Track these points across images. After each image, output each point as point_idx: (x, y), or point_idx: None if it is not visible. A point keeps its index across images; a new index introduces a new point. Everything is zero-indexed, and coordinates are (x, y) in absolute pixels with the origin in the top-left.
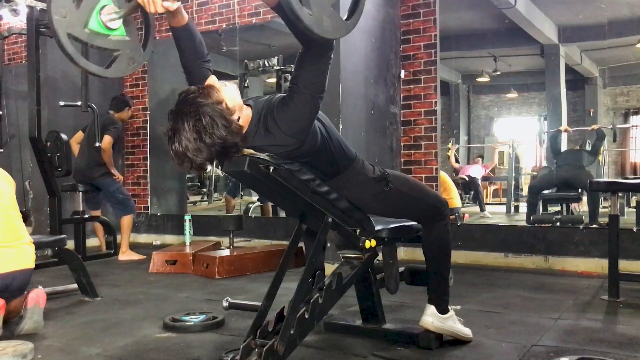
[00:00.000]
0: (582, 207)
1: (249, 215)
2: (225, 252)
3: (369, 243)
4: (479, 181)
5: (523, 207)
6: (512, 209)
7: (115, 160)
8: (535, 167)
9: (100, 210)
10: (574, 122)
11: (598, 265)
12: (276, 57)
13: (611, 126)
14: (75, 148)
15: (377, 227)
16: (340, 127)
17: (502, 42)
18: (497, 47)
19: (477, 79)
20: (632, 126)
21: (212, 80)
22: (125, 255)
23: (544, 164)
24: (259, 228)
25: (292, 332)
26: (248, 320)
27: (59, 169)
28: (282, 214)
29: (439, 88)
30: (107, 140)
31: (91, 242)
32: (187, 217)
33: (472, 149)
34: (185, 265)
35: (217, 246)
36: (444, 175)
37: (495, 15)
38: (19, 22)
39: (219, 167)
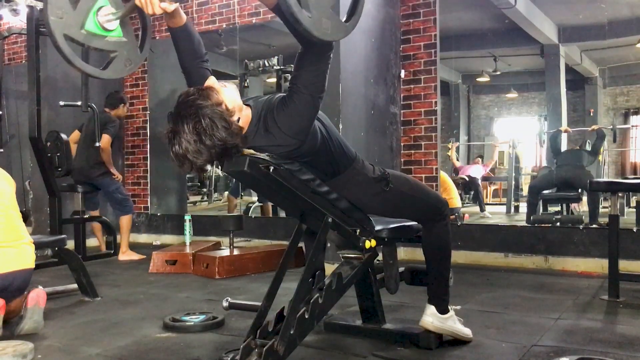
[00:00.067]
0: (582, 207)
1: (249, 215)
2: (225, 252)
3: (369, 243)
4: (479, 181)
5: (523, 207)
6: (512, 209)
7: (115, 160)
8: (535, 167)
9: (99, 210)
10: (574, 122)
11: (598, 265)
12: (276, 57)
13: (611, 126)
14: (72, 148)
15: (377, 227)
16: (340, 127)
17: (502, 42)
18: (497, 47)
19: (477, 79)
20: (632, 126)
21: (211, 81)
22: (125, 255)
23: (544, 164)
24: (259, 228)
25: (292, 332)
26: (248, 320)
27: (59, 169)
28: (282, 214)
29: (439, 88)
30: (106, 139)
31: (91, 242)
32: (187, 217)
33: (472, 149)
34: (185, 265)
35: (217, 246)
36: (444, 175)
37: (495, 15)
38: (19, 22)
39: (219, 167)
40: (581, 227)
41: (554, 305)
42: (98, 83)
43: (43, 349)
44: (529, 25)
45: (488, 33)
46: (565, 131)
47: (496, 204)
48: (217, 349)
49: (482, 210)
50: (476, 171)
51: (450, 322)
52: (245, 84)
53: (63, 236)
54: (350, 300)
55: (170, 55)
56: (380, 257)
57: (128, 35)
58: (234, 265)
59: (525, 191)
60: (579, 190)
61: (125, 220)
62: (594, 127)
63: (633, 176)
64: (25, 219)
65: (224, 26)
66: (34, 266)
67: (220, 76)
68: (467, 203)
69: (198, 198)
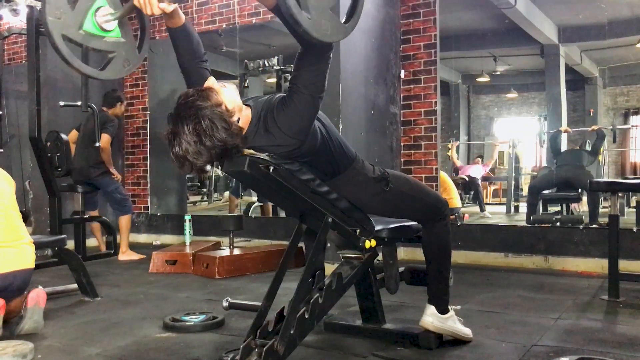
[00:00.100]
0: (582, 207)
1: (249, 215)
2: (225, 252)
3: (369, 243)
4: (479, 181)
5: (523, 207)
6: (512, 209)
7: (114, 160)
8: (535, 167)
9: (99, 210)
10: (574, 122)
11: (598, 265)
12: (276, 57)
13: (611, 127)
14: (71, 148)
15: (377, 227)
16: (340, 127)
17: (502, 42)
18: (497, 47)
19: (477, 79)
20: (632, 126)
21: (211, 82)
22: (125, 255)
23: (544, 164)
24: (259, 228)
25: (292, 332)
26: (248, 320)
27: (59, 169)
28: (282, 214)
29: (439, 88)
30: (106, 138)
31: (91, 242)
32: (187, 217)
33: (472, 148)
34: (185, 265)
35: (217, 246)
36: (444, 175)
37: (495, 15)
38: (19, 22)
39: (219, 167)
40: (581, 227)
41: (554, 305)
42: (98, 83)
43: (43, 349)
44: (529, 25)
45: (488, 33)
46: (565, 131)
47: (496, 204)
48: (217, 349)
49: (482, 210)
50: (476, 171)
51: (451, 322)
52: (245, 84)
53: (63, 236)
54: (350, 300)
55: (170, 55)
56: (380, 257)
57: (126, 36)
58: (234, 265)
59: (525, 191)
60: (579, 190)
61: (124, 220)
62: (594, 127)
63: (633, 176)
64: (25, 219)
65: (224, 26)
66: (34, 266)
67: (220, 76)
68: (467, 203)
69: (198, 198)
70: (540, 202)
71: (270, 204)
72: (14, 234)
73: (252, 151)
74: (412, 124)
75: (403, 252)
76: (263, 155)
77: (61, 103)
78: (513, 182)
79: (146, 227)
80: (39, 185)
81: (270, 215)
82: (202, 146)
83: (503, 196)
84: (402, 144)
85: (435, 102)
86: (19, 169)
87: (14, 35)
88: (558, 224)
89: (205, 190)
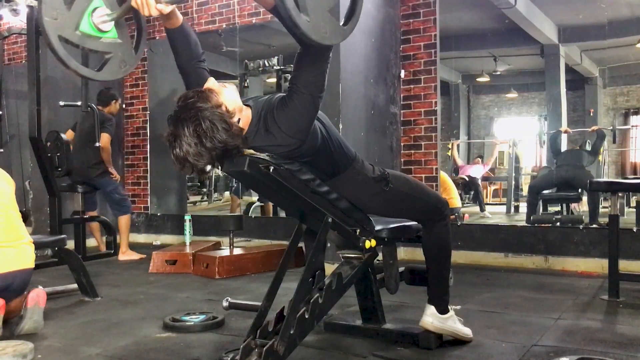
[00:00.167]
0: (582, 207)
1: (249, 215)
2: (225, 252)
3: (369, 243)
4: (479, 181)
5: (523, 207)
6: (512, 209)
7: (114, 160)
8: (535, 167)
9: (99, 210)
10: (574, 122)
11: (598, 265)
12: (276, 57)
13: (611, 127)
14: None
15: (377, 227)
16: (340, 127)
17: (502, 42)
18: (497, 47)
19: (477, 79)
20: (632, 126)
21: (211, 82)
22: (125, 255)
23: (544, 164)
24: (259, 228)
25: (292, 332)
26: (248, 320)
27: (59, 169)
28: (282, 214)
29: (439, 88)
30: (106, 138)
31: (91, 242)
32: (187, 217)
33: (472, 148)
34: (185, 265)
35: (217, 246)
36: (444, 175)
37: (495, 15)
38: (19, 22)
39: (219, 167)
40: (581, 227)
41: (554, 305)
42: (98, 83)
43: (43, 349)
44: (529, 25)
45: (488, 33)
46: (565, 132)
47: (496, 204)
48: (217, 349)
49: (482, 210)
50: (476, 171)
51: (450, 322)
52: (245, 84)
53: (63, 236)
54: (350, 300)
55: (170, 55)
56: (380, 257)
57: (123, 37)
58: (234, 265)
59: (525, 191)
60: (579, 190)
61: (124, 220)
62: (594, 127)
63: (633, 176)
64: (25, 219)
65: (224, 26)
66: (33, 266)
67: (220, 76)
68: (467, 203)
69: (198, 198)
70: (540, 202)
71: (270, 204)
72: (14, 234)
73: (252, 151)
74: (412, 124)
75: (403, 252)
76: (263, 155)
77: (61, 103)
78: (513, 182)
79: (146, 227)
80: (39, 185)
81: (270, 215)
82: (203, 148)
83: (503, 196)
84: (402, 144)
85: (435, 102)
86: (19, 169)
87: (14, 35)
88: (558, 224)
89: (205, 190)
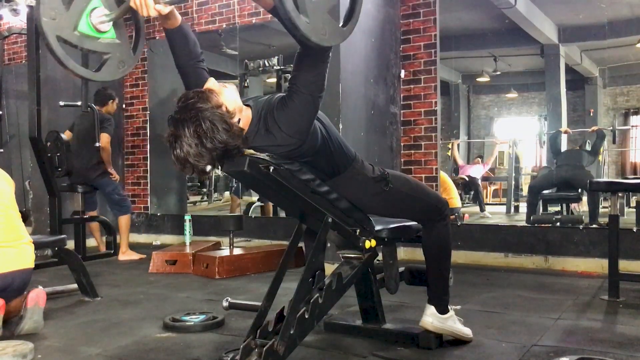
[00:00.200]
0: (582, 207)
1: (249, 215)
2: (225, 252)
3: (369, 243)
4: (479, 181)
5: (523, 207)
6: (512, 209)
7: (114, 160)
8: (535, 167)
9: (99, 210)
10: (574, 122)
11: (598, 265)
12: (276, 57)
13: (611, 127)
14: None
15: (377, 227)
16: (340, 127)
17: (502, 42)
18: (497, 47)
19: (477, 79)
20: (632, 126)
21: (211, 82)
22: (125, 255)
23: (544, 164)
24: (259, 228)
25: (292, 332)
26: (248, 320)
27: (59, 169)
28: (282, 214)
29: (439, 88)
30: (106, 138)
31: (91, 242)
32: (187, 217)
33: (472, 148)
34: (185, 265)
35: (217, 246)
36: (444, 175)
37: (495, 15)
38: (19, 22)
39: (219, 167)
40: (581, 227)
41: (554, 305)
42: (98, 83)
43: (43, 349)
44: (529, 25)
45: (488, 33)
46: (565, 132)
47: (496, 204)
48: (217, 349)
49: (482, 210)
50: (476, 171)
51: (450, 322)
52: (245, 84)
53: (63, 236)
54: (350, 300)
55: (170, 55)
56: (380, 257)
57: (121, 37)
58: (234, 265)
59: (525, 191)
60: (579, 190)
61: (123, 221)
62: (594, 127)
63: (633, 176)
64: (25, 219)
65: (224, 26)
66: (33, 266)
67: (220, 76)
68: (467, 203)
69: (198, 198)
70: (540, 202)
71: (270, 204)
72: (14, 234)
73: (252, 151)
74: (412, 124)
75: (403, 252)
76: (263, 155)
77: (61, 103)
78: (513, 182)
79: (146, 227)
80: (39, 185)
81: (270, 215)
82: (204, 148)
83: (503, 196)
84: (402, 144)
85: (435, 102)
86: (19, 169)
87: (14, 35)
88: (558, 224)
89: (205, 190)
